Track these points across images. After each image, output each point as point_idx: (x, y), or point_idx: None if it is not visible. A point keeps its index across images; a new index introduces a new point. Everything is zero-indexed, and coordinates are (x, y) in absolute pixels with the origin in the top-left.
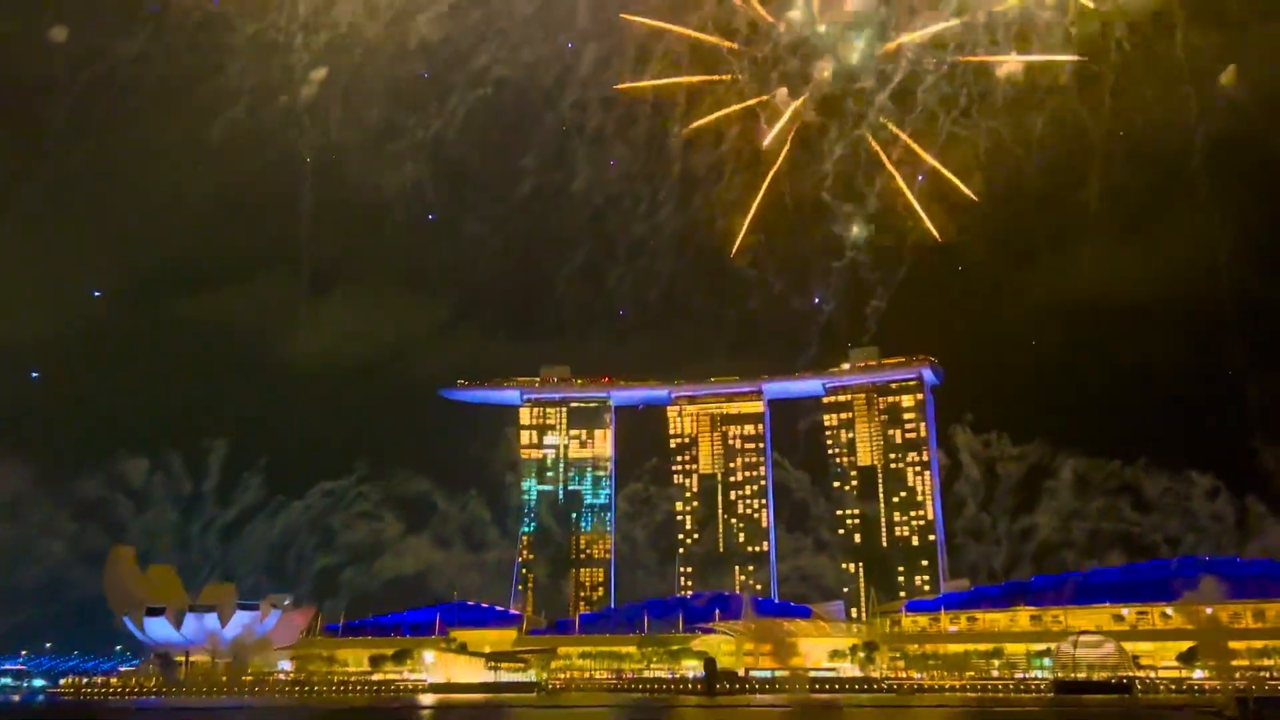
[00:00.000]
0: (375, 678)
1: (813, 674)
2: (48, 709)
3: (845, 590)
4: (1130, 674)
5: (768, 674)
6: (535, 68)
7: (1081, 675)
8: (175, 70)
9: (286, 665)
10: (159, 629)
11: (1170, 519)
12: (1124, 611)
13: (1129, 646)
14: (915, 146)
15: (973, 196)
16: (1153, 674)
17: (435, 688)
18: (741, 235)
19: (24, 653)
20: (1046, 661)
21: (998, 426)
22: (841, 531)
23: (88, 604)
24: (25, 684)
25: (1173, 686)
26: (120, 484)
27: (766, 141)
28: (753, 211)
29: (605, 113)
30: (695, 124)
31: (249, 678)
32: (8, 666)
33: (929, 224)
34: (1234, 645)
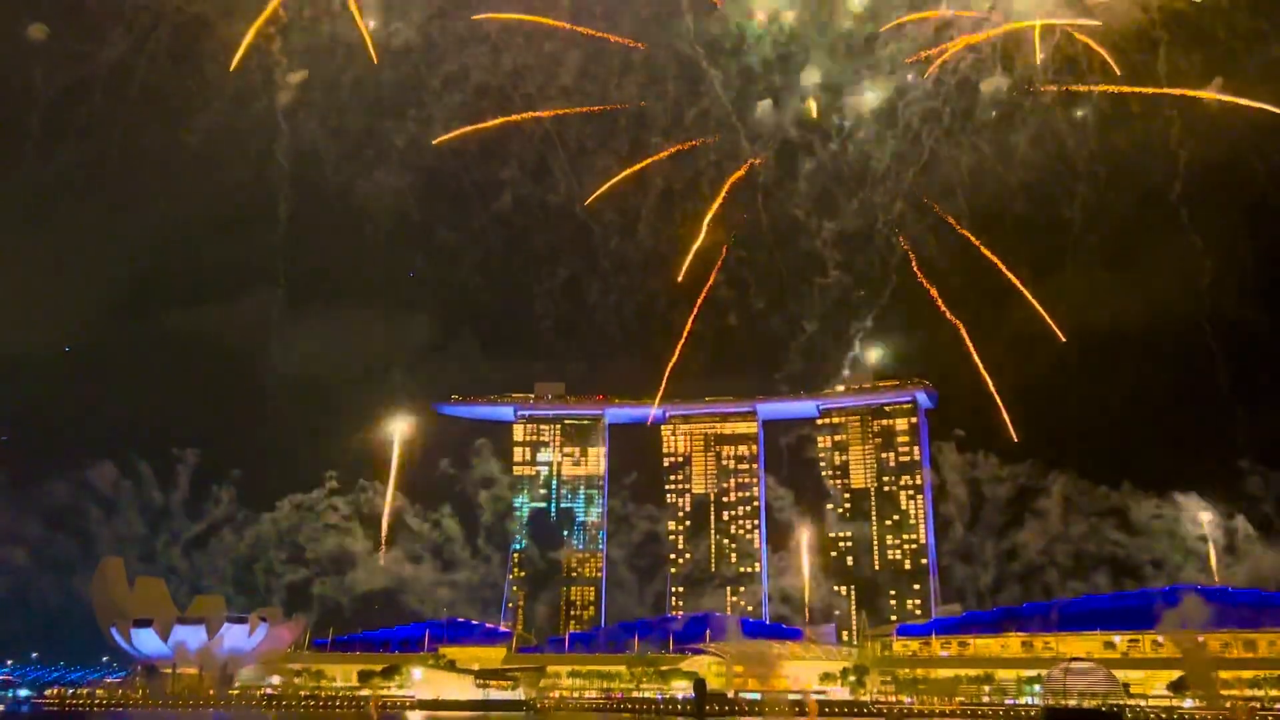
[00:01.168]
0: (364, 693)
1: (801, 697)
2: (34, 719)
3: (836, 613)
4: (1121, 702)
5: (757, 696)
6: (518, 74)
7: (1072, 702)
8: (155, 76)
9: (275, 679)
10: (147, 641)
11: (1158, 542)
12: (1115, 639)
13: (1120, 674)
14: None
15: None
16: (1143, 702)
17: (424, 704)
18: (686, 262)
19: (9, 662)
20: (1037, 688)
21: (989, 449)
22: (834, 554)
23: (59, 613)
24: (10, 694)
25: (1163, 715)
26: (90, 492)
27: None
28: (700, 238)
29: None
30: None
31: (235, 691)
32: None
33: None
34: (1224, 675)
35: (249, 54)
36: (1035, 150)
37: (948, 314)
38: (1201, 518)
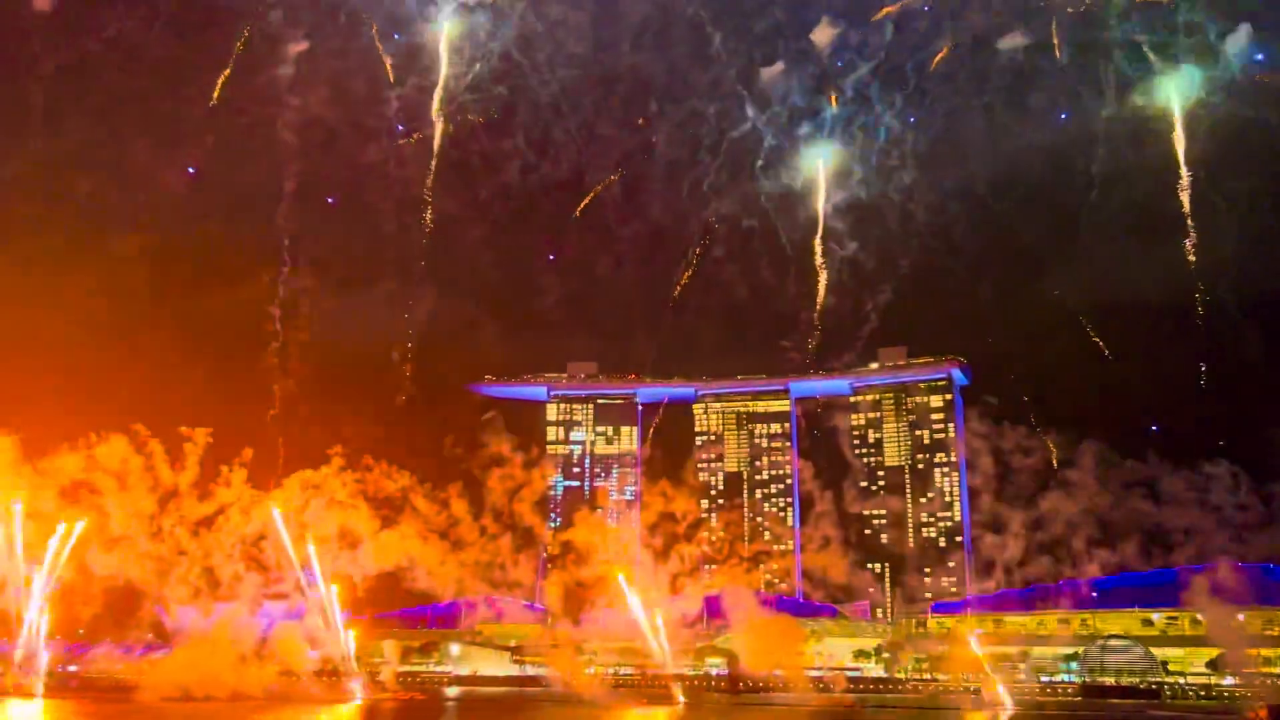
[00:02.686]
0: (402, 669)
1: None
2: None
3: (870, 591)
4: (1159, 679)
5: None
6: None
7: (1109, 680)
8: (162, 49)
9: (314, 655)
10: (191, 618)
11: (1189, 514)
12: (1153, 616)
13: (1158, 652)
14: None
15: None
16: (1182, 680)
17: (461, 680)
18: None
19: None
20: (1074, 665)
21: (1021, 422)
22: (867, 531)
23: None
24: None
25: (1202, 693)
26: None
27: None
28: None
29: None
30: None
31: (278, 667)
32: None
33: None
34: (1266, 653)
35: (253, 25)
36: (1054, 110)
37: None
38: (1234, 487)
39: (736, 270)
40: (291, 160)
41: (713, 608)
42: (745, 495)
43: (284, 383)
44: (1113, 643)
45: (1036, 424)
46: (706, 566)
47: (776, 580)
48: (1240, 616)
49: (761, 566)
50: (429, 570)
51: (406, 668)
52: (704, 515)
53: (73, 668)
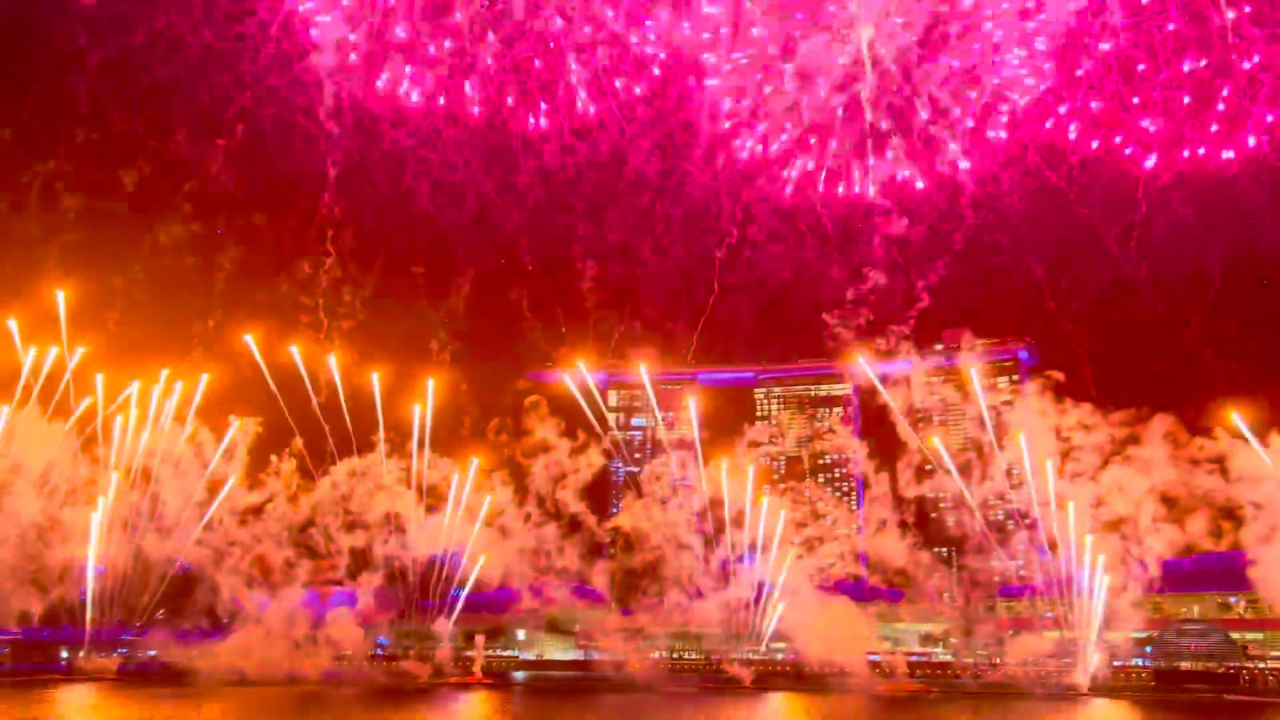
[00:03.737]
0: (468, 654)
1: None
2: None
3: (936, 575)
4: (1238, 664)
5: (873, 658)
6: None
7: (1185, 665)
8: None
9: (384, 640)
10: (264, 605)
11: (1260, 490)
12: (1232, 599)
13: (1237, 635)
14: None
15: None
16: (1262, 665)
17: (527, 664)
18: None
19: (138, 623)
20: (1148, 649)
21: (1091, 402)
22: (932, 515)
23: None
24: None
25: None
26: None
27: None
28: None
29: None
30: None
31: (348, 652)
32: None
33: None
34: None
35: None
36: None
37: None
38: None
39: (783, 252)
40: (333, 147)
41: (777, 593)
42: (807, 480)
43: (327, 371)
44: (1188, 626)
45: (1102, 401)
46: (769, 551)
47: (839, 565)
48: None
49: (825, 551)
50: (474, 558)
51: (470, 652)
52: (766, 498)
53: (147, 652)
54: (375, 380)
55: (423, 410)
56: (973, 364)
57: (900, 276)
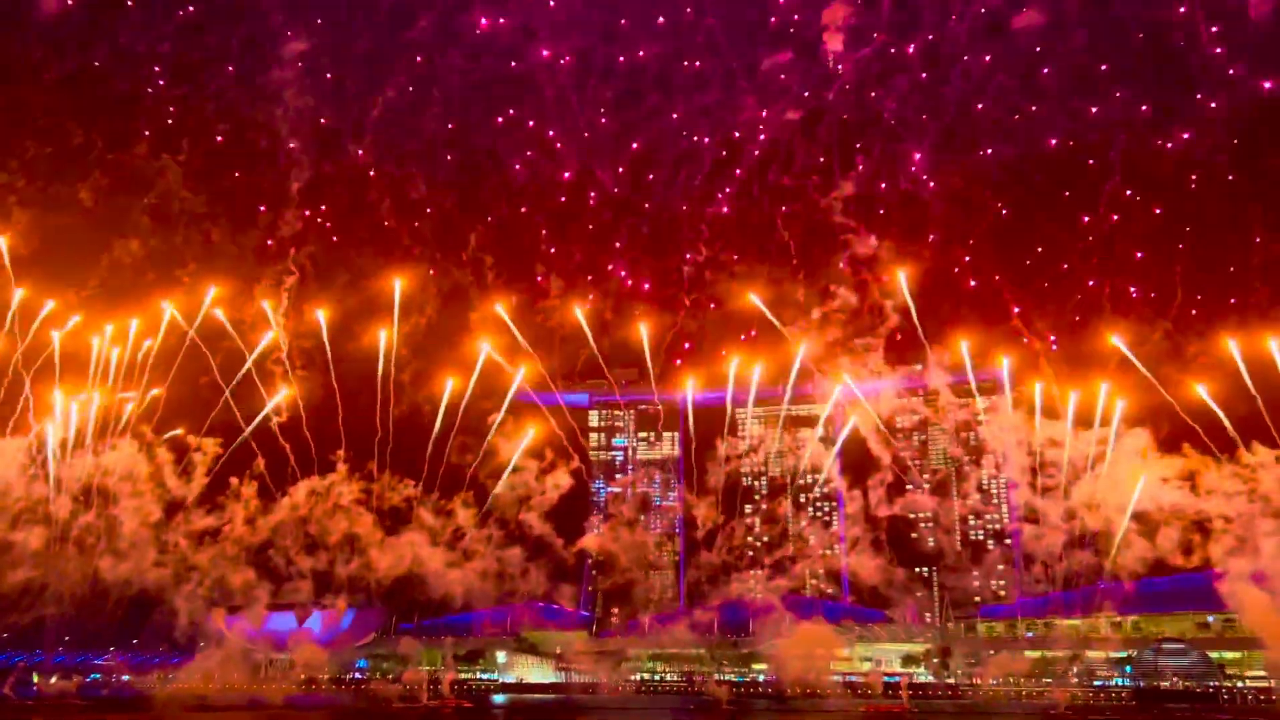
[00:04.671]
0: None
1: (886, 679)
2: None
3: (919, 594)
4: (1216, 683)
5: (839, 679)
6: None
7: (1164, 684)
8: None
9: (363, 664)
10: (241, 628)
11: (1233, 505)
12: (1209, 618)
13: (1215, 655)
14: None
15: None
16: (1240, 684)
17: (507, 687)
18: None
19: (112, 649)
20: (1127, 669)
21: (1067, 421)
22: (913, 534)
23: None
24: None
25: (1261, 698)
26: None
27: None
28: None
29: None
30: None
31: (326, 676)
32: (101, 662)
33: None
34: None
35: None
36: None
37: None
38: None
39: (760, 269)
40: (296, 163)
41: (760, 613)
42: (789, 500)
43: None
44: (1167, 645)
45: (1077, 418)
46: (751, 571)
47: (823, 585)
48: None
49: (807, 571)
50: (437, 576)
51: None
52: (748, 520)
53: (93, 677)
54: (337, 397)
55: (382, 432)
56: (950, 383)
57: (869, 295)
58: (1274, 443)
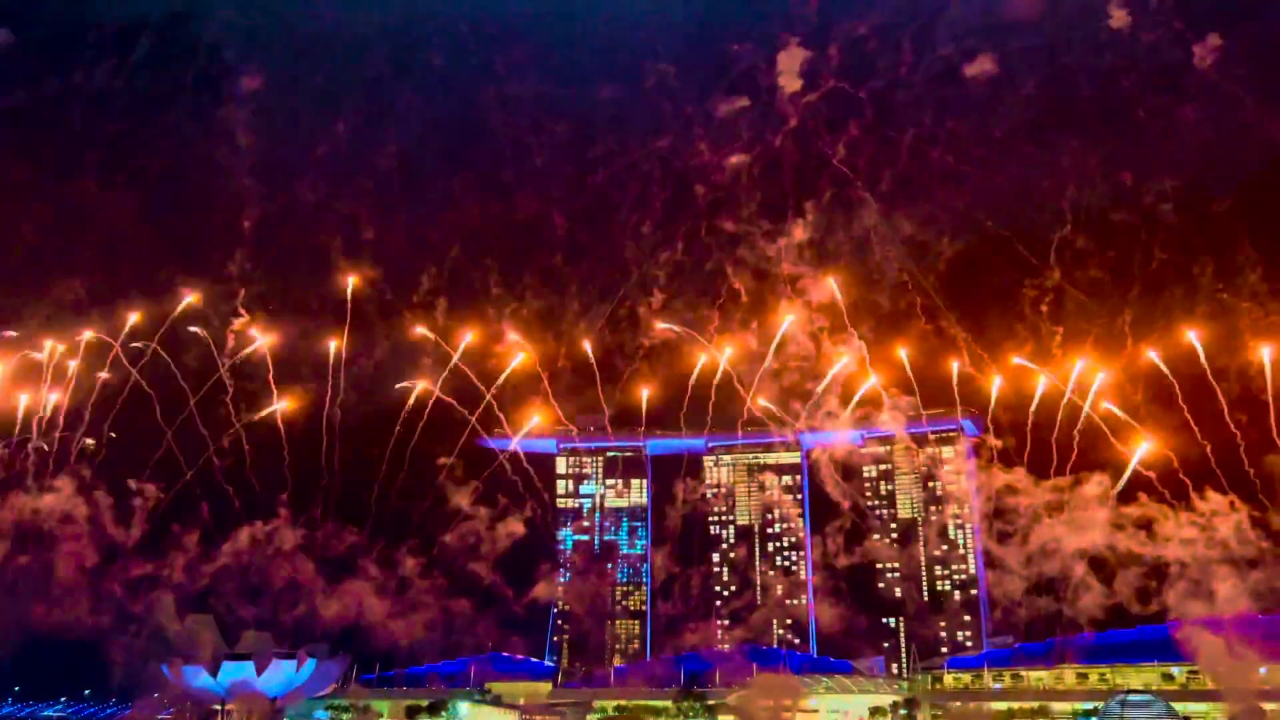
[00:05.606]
0: None
1: None
2: None
3: (885, 645)
4: None
5: None
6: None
7: None
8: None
9: (322, 715)
10: (196, 678)
11: (1190, 551)
12: (1174, 670)
13: (1180, 707)
14: None
15: None
16: None
17: None
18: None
19: (62, 699)
20: None
21: (1035, 475)
22: (881, 585)
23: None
24: None
25: None
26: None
27: None
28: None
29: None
30: None
31: None
32: (51, 715)
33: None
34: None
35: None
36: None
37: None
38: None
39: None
40: (248, 201)
41: (727, 664)
42: (757, 549)
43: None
44: (1132, 697)
45: (1040, 468)
46: (719, 621)
47: (790, 635)
48: (1263, 670)
49: (775, 621)
50: (382, 625)
51: None
52: (716, 569)
53: None
54: (283, 439)
55: (327, 477)
56: (912, 432)
57: (825, 343)
58: (1224, 489)
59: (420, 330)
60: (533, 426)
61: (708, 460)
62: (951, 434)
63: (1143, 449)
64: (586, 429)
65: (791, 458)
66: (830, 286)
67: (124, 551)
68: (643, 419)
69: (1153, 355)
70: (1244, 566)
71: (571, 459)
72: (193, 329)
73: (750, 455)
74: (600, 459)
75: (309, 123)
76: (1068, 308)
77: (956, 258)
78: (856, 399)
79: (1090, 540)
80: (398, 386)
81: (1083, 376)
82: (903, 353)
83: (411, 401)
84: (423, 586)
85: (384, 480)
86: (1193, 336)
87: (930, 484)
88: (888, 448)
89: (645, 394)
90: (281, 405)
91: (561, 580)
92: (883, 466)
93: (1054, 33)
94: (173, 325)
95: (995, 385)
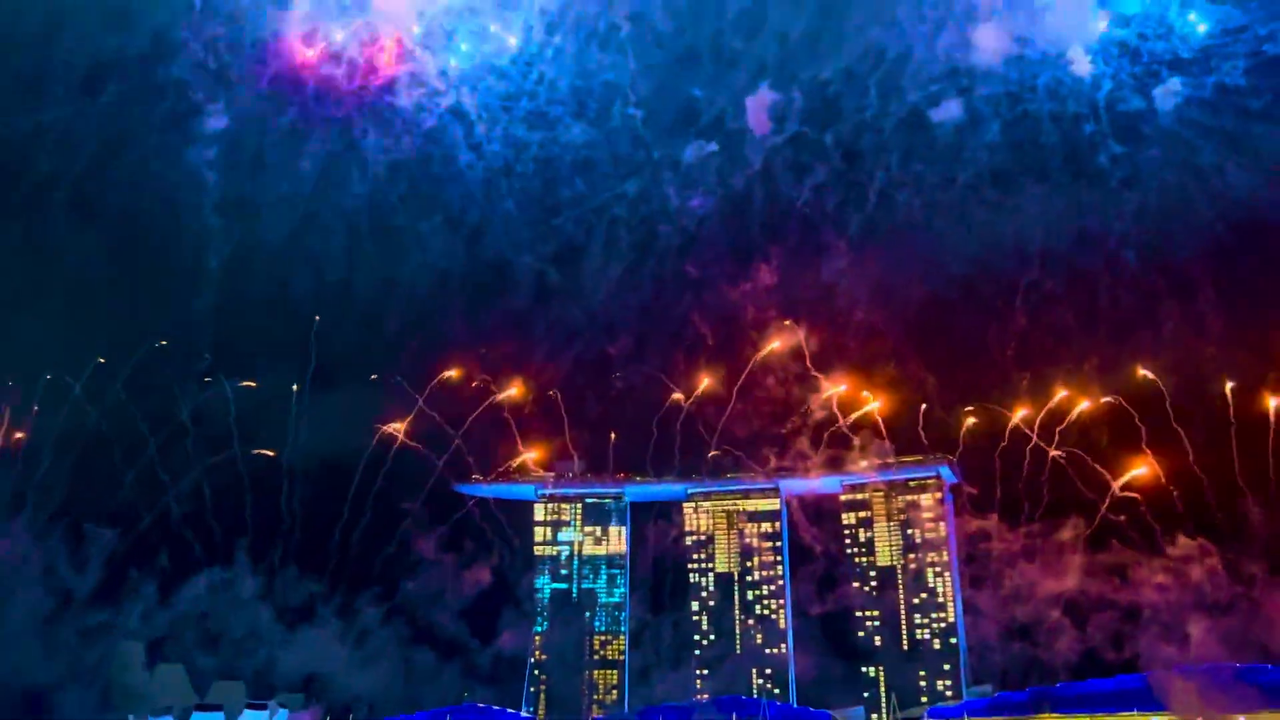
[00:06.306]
0: None
1: None
2: None
3: (865, 695)
4: None
5: None
6: None
7: None
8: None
9: None
10: None
11: (1165, 597)
12: None
13: None
14: None
15: None
16: None
17: None
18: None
19: None
20: None
21: (1012, 522)
22: (861, 633)
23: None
24: None
25: None
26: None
27: None
28: None
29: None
30: None
31: None
32: None
33: None
34: None
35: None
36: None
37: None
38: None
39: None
40: (214, 240)
41: (706, 714)
42: (736, 597)
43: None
44: None
45: (1016, 515)
46: (699, 670)
47: (770, 684)
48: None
49: (754, 670)
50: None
51: None
52: (695, 617)
53: None
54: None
55: (289, 522)
56: (895, 480)
57: (795, 388)
58: (1192, 533)
59: (388, 373)
60: (511, 471)
61: (687, 507)
62: (929, 480)
63: (1110, 493)
64: (565, 475)
65: (770, 504)
66: (798, 332)
67: (79, 598)
68: (610, 464)
69: (1119, 398)
70: (1215, 611)
71: (550, 505)
72: (154, 370)
73: (730, 501)
74: (579, 505)
75: (276, 161)
76: (1035, 351)
77: (925, 302)
78: (828, 440)
79: (1064, 585)
80: (368, 428)
81: (1049, 420)
82: (875, 403)
83: (376, 444)
84: (385, 635)
85: (346, 526)
86: (1157, 379)
87: (909, 531)
88: (866, 495)
89: (613, 438)
90: (243, 449)
91: (538, 629)
92: (861, 514)
93: (1018, 79)
94: (135, 366)
95: (963, 430)
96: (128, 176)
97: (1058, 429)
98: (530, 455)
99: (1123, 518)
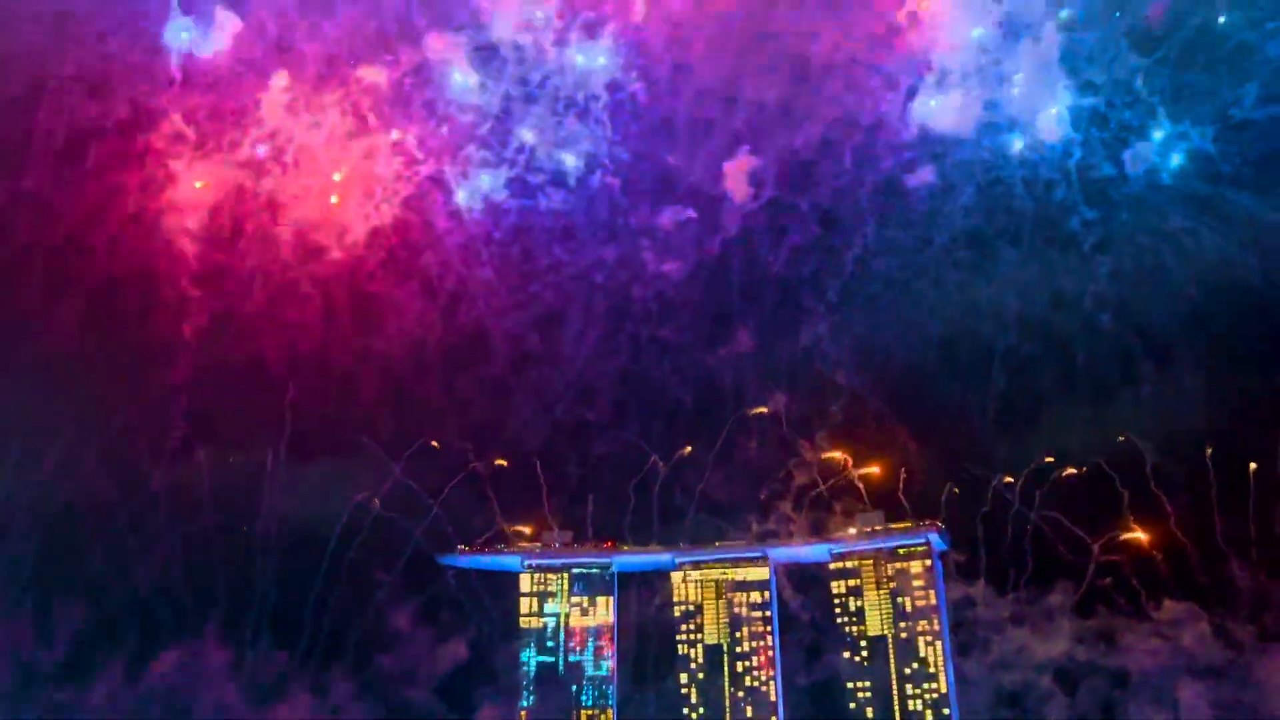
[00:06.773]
0: None
1: None
2: None
3: None
4: None
5: None
6: None
7: None
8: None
9: None
10: None
11: (1155, 659)
12: None
13: None
14: None
15: None
16: None
17: None
18: None
19: None
20: None
21: (998, 588)
22: (852, 704)
23: None
24: None
25: None
26: None
27: None
28: None
29: None
30: None
31: None
32: None
33: None
34: None
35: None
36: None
37: None
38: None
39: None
40: (190, 310)
41: None
42: (726, 668)
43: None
44: None
45: (1002, 581)
46: None
47: None
48: None
49: None
50: None
51: None
52: (684, 690)
53: None
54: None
55: (260, 594)
56: (885, 548)
57: (777, 455)
58: (1176, 596)
59: (363, 441)
60: (495, 541)
61: (675, 576)
62: (918, 547)
63: (1094, 557)
64: (551, 545)
65: (759, 574)
66: (778, 397)
67: (42, 674)
68: (589, 531)
69: (1100, 461)
70: (1205, 675)
71: (536, 576)
72: (128, 440)
73: (718, 570)
74: (564, 576)
75: (253, 230)
76: (1015, 414)
77: (905, 366)
78: (810, 505)
79: (1052, 651)
80: (343, 498)
81: (1029, 485)
82: (872, 468)
83: (351, 513)
84: (357, 712)
85: (319, 598)
86: (1138, 442)
87: (899, 599)
88: (855, 562)
89: (594, 504)
90: (216, 519)
91: (523, 705)
92: (851, 581)
93: (989, 145)
94: (108, 436)
95: (945, 495)
96: (105, 245)
97: (1037, 492)
98: (519, 528)
99: (1108, 580)
